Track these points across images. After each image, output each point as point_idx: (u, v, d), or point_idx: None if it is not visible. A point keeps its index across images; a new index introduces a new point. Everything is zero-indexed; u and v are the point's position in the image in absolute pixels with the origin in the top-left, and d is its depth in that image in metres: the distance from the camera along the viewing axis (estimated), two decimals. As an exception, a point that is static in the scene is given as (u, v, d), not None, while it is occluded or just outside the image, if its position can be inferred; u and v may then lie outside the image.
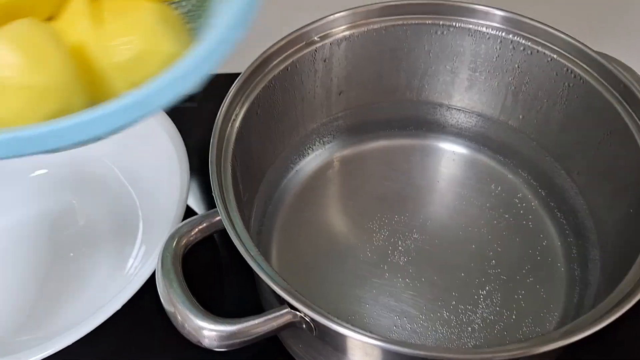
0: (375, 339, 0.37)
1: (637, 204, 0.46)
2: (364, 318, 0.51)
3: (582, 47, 0.52)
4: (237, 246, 0.40)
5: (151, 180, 0.60)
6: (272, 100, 0.54)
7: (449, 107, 0.63)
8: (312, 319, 0.38)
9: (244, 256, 0.40)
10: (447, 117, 0.63)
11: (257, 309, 0.42)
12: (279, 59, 0.53)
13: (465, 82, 0.61)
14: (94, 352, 0.51)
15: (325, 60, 0.57)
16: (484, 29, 0.56)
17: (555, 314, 0.51)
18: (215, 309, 0.55)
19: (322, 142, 0.63)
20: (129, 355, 0.52)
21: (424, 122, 0.64)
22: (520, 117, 0.59)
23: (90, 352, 0.50)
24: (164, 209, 0.55)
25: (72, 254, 0.59)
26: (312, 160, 0.62)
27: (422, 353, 0.36)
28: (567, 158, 0.57)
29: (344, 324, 0.37)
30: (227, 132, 0.48)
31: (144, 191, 0.61)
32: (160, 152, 0.59)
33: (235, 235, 0.41)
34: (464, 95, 0.62)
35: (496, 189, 0.59)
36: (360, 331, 0.37)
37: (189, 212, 0.62)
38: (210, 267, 0.57)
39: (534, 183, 0.59)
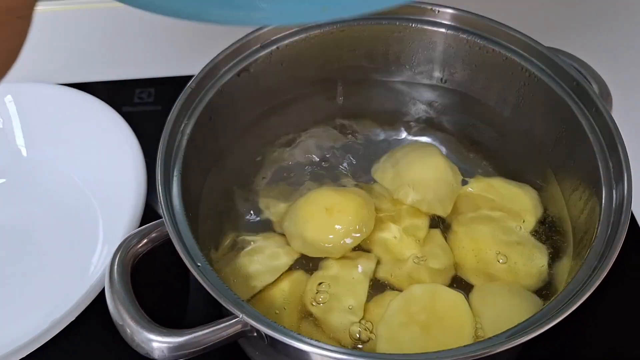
0: (325, 349, 0.36)
1: (591, 200, 0.46)
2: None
3: (533, 43, 0.51)
4: (181, 256, 0.40)
5: (109, 183, 0.59)
6: (228, 104, 0.54)
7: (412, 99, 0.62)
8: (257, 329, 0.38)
9: (188, 266, 0.39)
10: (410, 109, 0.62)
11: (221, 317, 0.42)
12: (233, 62, 0.53)
13: (425, 81, 0.61)
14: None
15: (282, 64, 0.56)
16: (441, 29, 0.55)
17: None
18: (176, 318, 0.55)
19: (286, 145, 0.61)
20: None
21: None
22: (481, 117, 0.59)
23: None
24: (123, 211, 0.55)
25: (33, 262, 0.58)
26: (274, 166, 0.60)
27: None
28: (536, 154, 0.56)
29: (288, 333, 0.36)
30: (178, 138, 0.48)
31: (102, 195, 0.61)
32: (117, 155, 0.59)
33: (180, 245, 0.41)
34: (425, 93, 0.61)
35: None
36: (306, 340, 0.36)
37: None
38: (171, 275, 0.57)
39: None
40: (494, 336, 0.37)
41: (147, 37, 0.82)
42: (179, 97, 0.48)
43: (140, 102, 0.74)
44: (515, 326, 0.37)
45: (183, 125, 0.48)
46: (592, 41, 0.74)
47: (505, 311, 0.46)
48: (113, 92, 0.74)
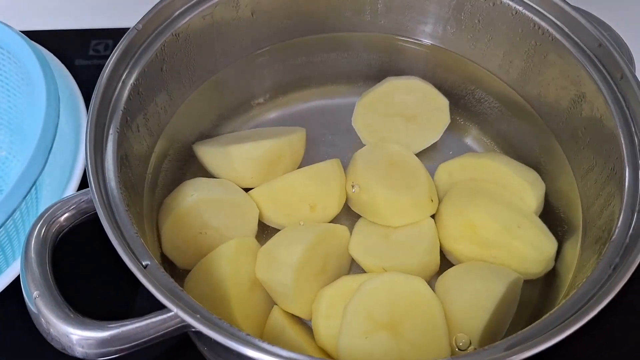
0: (281, 356, 0.29)
1: (610, 183, 0.39)
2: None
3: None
4: (107, 234, 0.32)
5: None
6: (184, 53, 0.45)
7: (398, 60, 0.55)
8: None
9: (112, 243, 0.32)
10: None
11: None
12: (192, 2, 0.44)
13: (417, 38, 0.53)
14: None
15: (253, 14, 0.48)
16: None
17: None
18: (123, 310, 0.47)
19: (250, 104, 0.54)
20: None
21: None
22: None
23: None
24: (58, 178, 0.48)
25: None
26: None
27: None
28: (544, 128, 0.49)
29: (235, 335, 0.29)
30: (117, 89, 0.39)
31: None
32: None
33: (106, 215, 0.33)
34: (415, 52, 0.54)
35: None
36: (259, 344, 0.29)
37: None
38: (100, 256, 0.48)
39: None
40: (488, 347, 0.30)
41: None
42: (121, 40, 0.40)
43: (96, 55, 0.66)
44: (516, 334, 0.30)
45: (125, 74, 0.40)
46: (615, 2, 0.65)
47: (474, 294, 0.40)
48: (65, 43, 0.66)
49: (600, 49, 0.41)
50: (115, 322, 0.32)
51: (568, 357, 0.44)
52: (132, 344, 0.33)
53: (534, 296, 0.44)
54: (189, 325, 0.32)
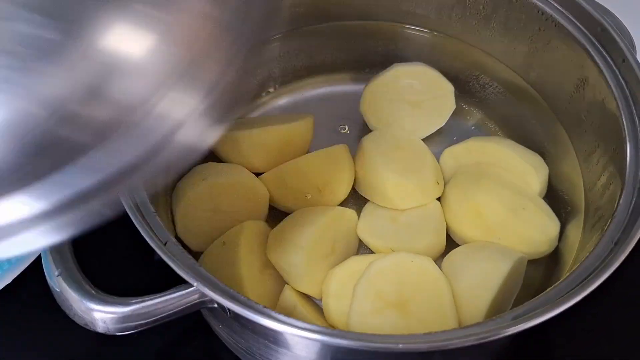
0: (295, 326, 0.30)
1: (611, 163, 0.40)
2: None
3: (553, -18, 0.44)
4: (127, 211, 0.33)
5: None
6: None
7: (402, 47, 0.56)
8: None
9: (131, 217, 0.33)
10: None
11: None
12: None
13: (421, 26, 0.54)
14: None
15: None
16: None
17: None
18: (137, 286, 0.49)
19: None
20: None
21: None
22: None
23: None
24: None
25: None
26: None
27: (340, 341, 0.29)
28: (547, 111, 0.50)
29: (253, 307, 0.30)
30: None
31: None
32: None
33: (129, 201, 0.34)
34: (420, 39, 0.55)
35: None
36: (275, 316, 0.30)
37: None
38: (117, 234, 0.49)
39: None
40: (496, 317, 0.31)
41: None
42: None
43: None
44: (522, 305, 0.31)
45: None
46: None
47: (480, 272, 0.41)
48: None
49: (603, 34, 0.42)
50: (135, 298, 0.34)
51: (573, 326, 0.46)
52: (152, 319, 0.34)
53: (538, 276, 0.46)
54: (207, 301, 0.34)
